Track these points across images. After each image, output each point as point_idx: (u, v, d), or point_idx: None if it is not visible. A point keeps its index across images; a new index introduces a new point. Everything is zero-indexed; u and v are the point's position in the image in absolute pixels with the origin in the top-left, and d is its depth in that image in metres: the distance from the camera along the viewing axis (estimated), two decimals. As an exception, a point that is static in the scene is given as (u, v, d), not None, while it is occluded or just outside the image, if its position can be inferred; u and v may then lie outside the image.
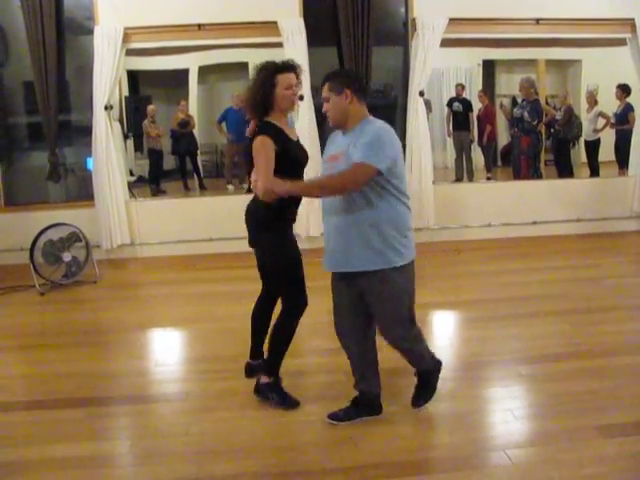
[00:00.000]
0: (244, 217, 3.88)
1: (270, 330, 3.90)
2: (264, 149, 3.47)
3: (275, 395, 3.81)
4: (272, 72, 3.60)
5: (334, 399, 3.86)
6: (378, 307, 3.43)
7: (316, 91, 7.45)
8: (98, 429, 3.71)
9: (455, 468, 3.20)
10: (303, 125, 7.13)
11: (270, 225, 3.75)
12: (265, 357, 4.02)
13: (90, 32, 6.98)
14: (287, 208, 3.71)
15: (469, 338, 5.01)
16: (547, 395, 3.91)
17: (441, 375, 4.20)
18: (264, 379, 3.86)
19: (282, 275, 3.81)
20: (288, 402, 3.80)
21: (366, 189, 3.22)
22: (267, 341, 3.95)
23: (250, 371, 4.16)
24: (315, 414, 3.74)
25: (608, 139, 9.70)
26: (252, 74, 3.72)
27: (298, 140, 3.87)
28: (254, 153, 3.50)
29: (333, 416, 3.60)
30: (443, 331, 5.35)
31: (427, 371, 3.72)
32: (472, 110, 10.40)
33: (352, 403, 3.64)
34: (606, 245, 7.57)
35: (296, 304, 3.79)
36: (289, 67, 3.65)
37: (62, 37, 7.12)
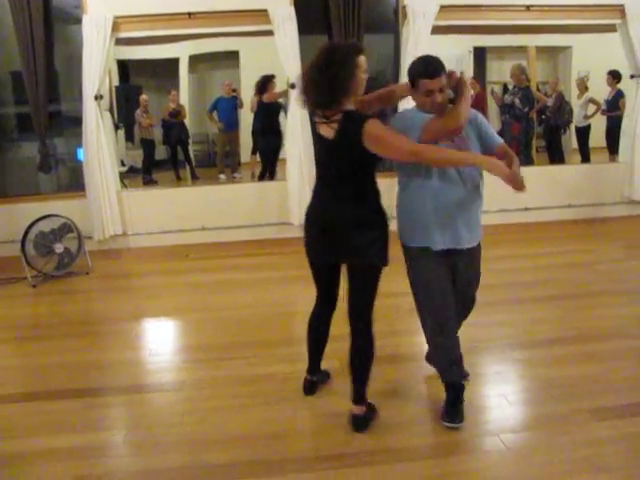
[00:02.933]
0: (338, 226, 3.28)
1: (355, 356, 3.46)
2: (384, 130, 3.09)
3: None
4: (354, 53, 3.16)
5: (329, 387, 3.89)
6: (476, 274, 3.65)
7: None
8: (93, 419, 3.71)
9: (449, 453, 3.22)
10: (294, 116, 7.11)
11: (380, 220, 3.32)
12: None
13: (79, 21, 6.91)
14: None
15: (462, 324, 5.02)
16: (540, 380, 3.94)
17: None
18: (359, 410, 3.52)
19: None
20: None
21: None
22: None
23: None
24: (310, 401, 3.76)
25: (599, 125, 9.73)
26: (319, 55, 3.16)
27: None
28: (373, 143, 3.08)
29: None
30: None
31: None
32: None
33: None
34: (597, 230, 7.60)
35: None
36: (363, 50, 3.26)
37: (50, 26, 7.05)
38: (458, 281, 3.54)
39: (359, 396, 3.49)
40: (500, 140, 3.41)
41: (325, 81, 3.09)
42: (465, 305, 3.71)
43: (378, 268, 3.33)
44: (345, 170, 3.25)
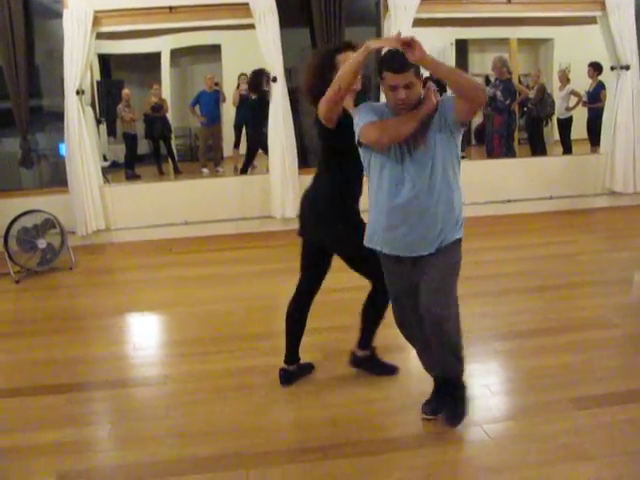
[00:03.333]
0: (306, 212, 3.65)
1: (366, 307, 3.75)
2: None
3: (373, 367, 3.92)
4: (332, 53, 3.38)
5: (312, 379, 3.90)
6: (449, 277, 3.22)
7: (290, 73, 7.45)
8: (78, 414, 3.71)
9: (433, 444, 3.24)
10: (277, 109, 7.11)
11: (345, 214, 3.54)
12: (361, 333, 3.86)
13: (59, 16, 6.87)
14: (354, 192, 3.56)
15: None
16: (522, 370, 3.98)
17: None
18: (362, 352, 3.88)
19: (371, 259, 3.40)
20: (389, 369, 3.94)
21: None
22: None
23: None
24: (294, 394, 3.77)
25: (580, 117, 9.79)
26: (310, 60, 3.51)
27: None
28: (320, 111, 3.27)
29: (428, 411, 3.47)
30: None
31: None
32: (446, 90, 10.37)
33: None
34: (579, 222, 7.65)
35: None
36: (348, 46, 3.37)
37: (30, 21, 7.01)
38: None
39: (366, 342, 3.84)
40: None
41: (310, 86, 3.41)
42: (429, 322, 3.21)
43: (352, 249, 3.50)
44: (323, 160, 3.55)
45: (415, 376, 3.88)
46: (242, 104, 9.67)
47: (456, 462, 3.11)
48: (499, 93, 8.95)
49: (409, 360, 4.06)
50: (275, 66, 6.99)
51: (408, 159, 3.06)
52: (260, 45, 6.99)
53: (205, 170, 10.34)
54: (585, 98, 9.65)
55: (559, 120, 10.11)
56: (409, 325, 3.42)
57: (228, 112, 10.41)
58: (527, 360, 4.11)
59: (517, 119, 9.84)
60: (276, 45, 6.96)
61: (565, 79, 10.00)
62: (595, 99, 9.30)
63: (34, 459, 3.25)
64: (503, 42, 10.76)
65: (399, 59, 2.94)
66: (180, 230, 7.35)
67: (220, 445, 3.29)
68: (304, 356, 3.93)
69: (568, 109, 9.95)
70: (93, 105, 7.58)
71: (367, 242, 3.31)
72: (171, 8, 6.99)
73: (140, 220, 7.34)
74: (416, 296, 3.20)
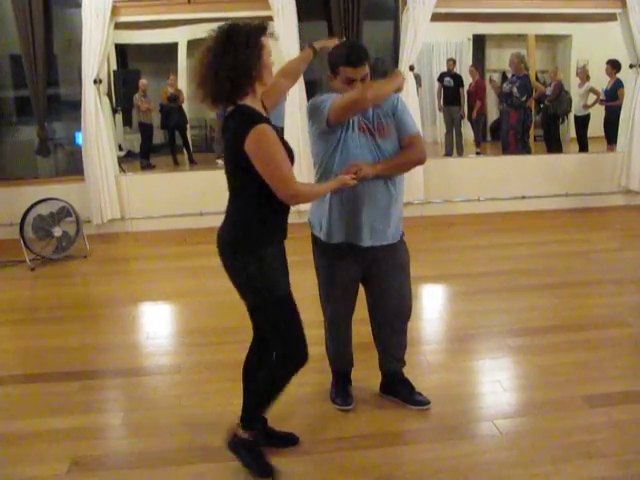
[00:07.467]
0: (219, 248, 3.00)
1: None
2: (272, 146, 2.64)
3: (249, 457, 3.00)
4: (258, 34, 2.68)
5: (324, 371, 3.90)
6: (403, 276, 3.43)
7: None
8: (91, 402, 3.74)
9: (444, 438, 3.24)
10: (293, 103, 7.11)
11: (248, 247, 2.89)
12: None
13: (78, 5, 6.90)
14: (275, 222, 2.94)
15: (458, 311, 5.06)
16: (535, 367, 3.97)
17: (432, 348, 4.30)
18: (242, 433, 3.01)
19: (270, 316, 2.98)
20: (263, 471, 2.97)
21: None
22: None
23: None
24: (307, 385, 3.77)
25: (597, 114, 9.74)
26: (213, 36, 2.63)
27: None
28: (254, 155, 2.66)
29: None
30: (433, 304, 5.39)
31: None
32: (463, 85, 10.41)
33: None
34: (594, 220, 7.62)
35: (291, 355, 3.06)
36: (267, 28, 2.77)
37: (49, 10, 7.04)
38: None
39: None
40: (413, 130, 3.20)
41: (225, 67, 2.59)
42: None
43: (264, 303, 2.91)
44: (230, 180, 2.94)
45: (424, 371, 3.89)
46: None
47: (466, 457, 3.10)
48: (515, 89, 8.92)
49: (416, 354, 4.08)
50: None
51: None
52: (278, 38, 6.98)
53: (220, 161, 10.33)
54: (602, 96, 9.59)
55: (576, 117, 10.05)
56: None
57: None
58: (540, 357, 4.10)
59: (533, 115, 9.80)
60: (294, 38, 6.96)
61: (585, 76, 9.92)
62: (612, 97, 9.23)
63: (48, 445, 3.28)
64: (521, 38, 10.72)
65: (355, 53, 3.04)
66: (195, 220, 7.36)
67: (232, 435, 3.30)
68: (316, 348, 3.94)
69: (586, 107, 9.88)
70: (109, 95, 7.59)
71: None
72: (189, -1, 7.01)
73: (155, 210, 7.37)
74: None
